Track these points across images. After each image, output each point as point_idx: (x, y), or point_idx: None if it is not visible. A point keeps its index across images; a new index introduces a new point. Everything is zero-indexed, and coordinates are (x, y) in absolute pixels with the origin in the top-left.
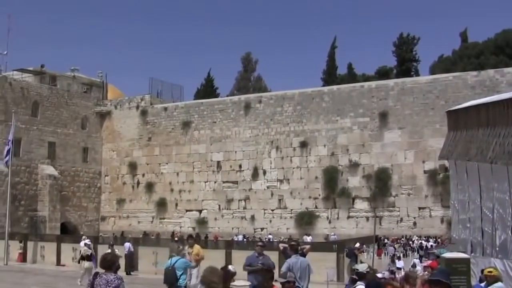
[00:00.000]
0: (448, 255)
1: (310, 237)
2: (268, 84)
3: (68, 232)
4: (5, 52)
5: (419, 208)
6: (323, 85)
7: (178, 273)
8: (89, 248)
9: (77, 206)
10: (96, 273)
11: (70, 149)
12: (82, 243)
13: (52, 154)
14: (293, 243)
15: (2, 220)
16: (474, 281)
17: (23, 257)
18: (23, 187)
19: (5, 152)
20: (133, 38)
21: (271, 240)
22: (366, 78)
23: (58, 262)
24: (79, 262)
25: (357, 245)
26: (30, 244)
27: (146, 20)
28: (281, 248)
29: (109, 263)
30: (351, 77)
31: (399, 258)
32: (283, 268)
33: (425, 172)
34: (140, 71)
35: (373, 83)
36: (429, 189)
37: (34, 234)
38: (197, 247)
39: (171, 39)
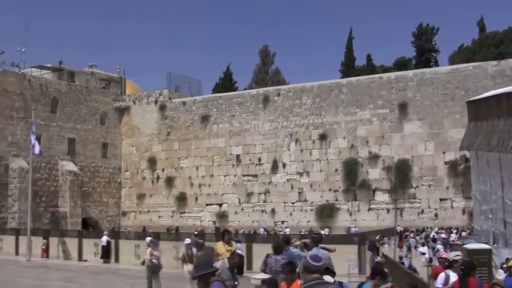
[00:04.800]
0: (470, 246)
1: (326, 229)
2: (286, 77)
3: (89, 228)
4: (24, 49)
5: (440, 200)
6: (342, 77)
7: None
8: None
9: (98, 201)
10: (268, 254)
11: (90, 145)
12: (188, 240)
13: (72, 150)
14: (314, 235)
15: (24, 217)
16: (497, 272)
17: (46, 253)
18: (43, 184)
19: (34, 145)
20: (151, 34)
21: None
22: (385, 69)
23: (80, 258)
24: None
25: (377, 237)
26: (52, 240)
27: (164, 15)
28: (302, 244)
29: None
30: (370, 68)
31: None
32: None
33: (445, 163)
34: (158, 66)
35: (392, 74)
36: (450, 180)
37: (56, 230)
38: (234, 244)
39: (188, 33)
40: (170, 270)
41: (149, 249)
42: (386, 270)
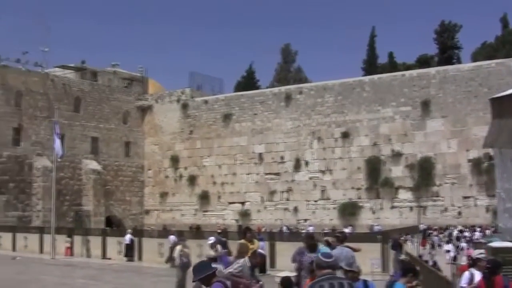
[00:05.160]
0: (494, 244)
1: (349, 228)
2: (308, 75)
3: (113, 226)
4: (47, 49)
5: (464, 198)
6: (364, 75)
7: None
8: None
9: (121, 200)
10: (302, 252)
11: (113, 144)
12: (212, 238)
13: (95, 149)
14: (338, 234)
15: (48, 215)
16: None
17: (69, 251)
18: (67, 182)
19: (58, 146)
20: (173, 33)
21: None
22: (407, 67)
23: (104, 256)
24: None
25: (400, 235)
26: (76, 238)
27: (186, 14)
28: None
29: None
30: (392, 66)
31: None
32: None
33: (469, 160)
34: (180, 65)
35: (414, 72)
36: (473, 178)
37: (80, 228)
38: (256, 242)
39: (210, 32)
40: None
41: (179, 247)
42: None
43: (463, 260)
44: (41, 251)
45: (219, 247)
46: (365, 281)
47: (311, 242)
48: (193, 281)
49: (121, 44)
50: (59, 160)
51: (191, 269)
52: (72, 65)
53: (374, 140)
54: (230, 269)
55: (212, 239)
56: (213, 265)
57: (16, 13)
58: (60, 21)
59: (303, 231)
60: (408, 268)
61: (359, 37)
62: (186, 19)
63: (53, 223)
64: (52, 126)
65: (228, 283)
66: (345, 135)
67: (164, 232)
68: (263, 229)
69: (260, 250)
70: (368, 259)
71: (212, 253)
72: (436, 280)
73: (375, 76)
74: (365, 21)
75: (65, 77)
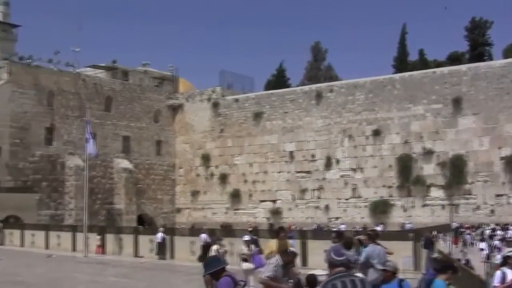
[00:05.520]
0: None
1: (380, 226)
2: (338, 73)
3: (144, 224)
4: (78, 49)
5: (496, 196)
6: (395, 72)
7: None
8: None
9: (153, 198)
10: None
11: (144, 143)
12: (246, 236)
13: (126, 148)
14: (369, 232)
15: (81, 214)
16: None
17: (101, 249)
18: (99, 181)
19: (90, 145)
20: (203, 32)
21: (344, 229)
22: (438, 64)
23: (136, 254)
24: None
25: (433, 233)
26: (108, 237)
27: (216, 13)
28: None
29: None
30: (423, 63)
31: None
32: (362, 258)
33: (501, 158)
34: (210, 64)
35: (445, 69)
36: (506, 176)
37: (112, 227)
38: (289, 242)
39: (240, 31)
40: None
41: (215, 246)
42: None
43: (497, 259)
44: (74, 249)
45: (252, 245)
46: (400, 280)
47: (348, 239)
48: (203, 275)
49: (151, 44)
50: (95, 157)
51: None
52: (103, 64)
53: (405, 138)
54: (267, 273)
55: (247, 237)
56: (246, 264)
57: (48, 14)
58: (91, 21)
59: (334, 229)
60: (448, 265)
61: (390, 34)
62: (217, 18)
63: (86, 221)
64: (84, 126)
65: (237, 277)
66: (376, 133)
67: (196, 230)
68: (293, 227)
69: (291, 248)
70: (400, 258)
71: (245, 250)
72: (469, 278)
73: (406, 74)
74: (395, 19)
75: (96, 77)
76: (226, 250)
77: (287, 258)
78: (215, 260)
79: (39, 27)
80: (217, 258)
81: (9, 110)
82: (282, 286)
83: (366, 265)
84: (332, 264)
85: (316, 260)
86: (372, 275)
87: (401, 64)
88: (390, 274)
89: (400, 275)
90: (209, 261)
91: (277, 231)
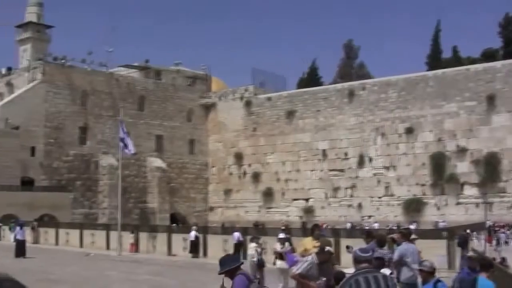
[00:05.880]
0: None
1: (413, 224)
2: (371, 71)
3: (177, 223)
4: (111, 50)
5: None
6: (428, 70)
7: None
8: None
9: (185, 197)
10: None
11: (177, 142)
12: (281, 234)
13: (159, 147)
14: (403, 230)
15: (114, 212)
16: None
17: (135, 248)
18: (132, 180)
19: (128, 145)
20: (235, 30)
21: (377, 228)
22: (472, 61)
23: (169, 252)
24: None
25: (467, 232)
26: (141, 235)
27: (248, 12)
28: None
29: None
30: (456, 60)
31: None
32: (395, 256)
33: None
34: (242, 63)
35: (479, 66)
36: None
37: (145, 225)
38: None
39: (272, 29)
40: None
41: (253, 244)
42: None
43: None
44: (108, 247)
45: (287, 243)
46: (436, 282)
47: (381, 237)
48: (218, 273)
49: (184, 43)
50: (133, 155)
51: (265, 267)
52: (136, 64)
53: (438, 135)
54: (300, 269)
55: (282, 235)
56: (281, 263)
57: (81, 14)
58: (124, 21)
59: (366, 227)
60: (489, 263)
61: (422, 32)
62: (249, 17)
63: (119, 220)
64: (118, 125)
65: (251, 276)
66: (409, 131)
67: (226, 228)
68: (324, 225)
69: (327, 247)
70: (434, 256)
71: (278, 248)
72: (504, 277)
73: (439, 71)
74: (429, 16)
75: (129, 76)
76: (263, 249)
77: (323, 256)
78: (231, 258)
79: (72, 28)
80: (232, 256)
81: (44, 110)
82: (311, 284)
83: (400, 264)
84: (357, 260)
85: (349, 259)
86: (405, 273)
87: (434, 61)
88: (426, 274)
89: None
90: (225, 259)
91: (312, 229)
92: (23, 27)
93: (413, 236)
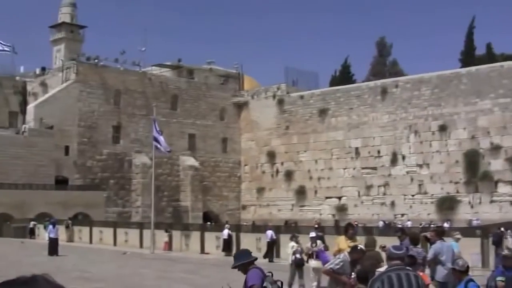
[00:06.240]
0: None
1: (447, 222)
2: (404, 68)
3: (210, 221)
4: (143, 49)
5: None
6: (461, 67)
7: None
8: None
9: (218, 195)
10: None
11: (210, 140)
12: (313, 233)
13: (192, 146)
14: (436, 228)
15: (148, 211)
16: None
17: (168, 246)
18: (165, 178)
19: (161, 144)
20: (267, 28)
21: (410, 226)
22: (506, 58)
23: (202, 250)
24: (307, 261)
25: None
26: (174, 233)
27: (279, 9)
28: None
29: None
30: (490, 57)
31: None
32: (430, 255)
33: None
34: (275, 60)
35: None
36: None
37: (178, 224)
38: (357, 239)
39: (305, 27)
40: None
41: (292, 243)
42: None
43: None
44: (141, 245)
45: (319, 242)
46: (467, 281)
47: (415, 236)
48: (231, 268)
49: (216, 42)
50: (168, 153)
51: (304, 266)
52: (168, 63)
53: (472, 133)
54: (331, 265)
55: (313, 233)
56: (315, 262)
57: (113, 14)
58: (156, 20)
59: (399, 225)
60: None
61: (456, 28)
62: (281, 15)
63: (153, 218)
64: (151, 124)
65: (265, 270)
66: (442, 128)
67: (256, 227)
68: (355, 223)
69: (360, 246)
70: (468, 254)
71: (310, 247)
72: None
73: (473, 68)
74: (462, 12)
75: (162, 75)
76: (302, 248)
77: (356, 255)
78: (245, 253)
79: (105, 28)
80: (246, 251)
81: (77, 109)
82: (343, 278)
83: (434, 262)
84: (390, 257)
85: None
86: (440, 272)
87: (468, 58)
88: (459, 273)
89: (472, 273)
90: (239, 254)
91: (345, 228)
92: (57, 28)
93: (458, 236)
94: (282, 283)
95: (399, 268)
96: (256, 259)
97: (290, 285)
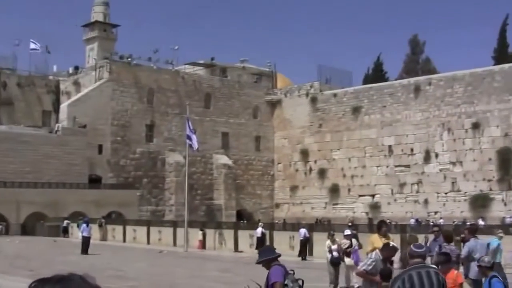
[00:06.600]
0: None
1: (480, 220)
2: (436, 66)
3: (244, 220)
4: (176, 47)
5: None
6: (494, 64)
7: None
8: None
9: (252, 193)
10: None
11: (243, 138)
12: (347, 231)
13: (225, 144)
14: (469, 226)
15: (181, 209)
16: None
17: (202, 244)
18: (199, 177)
19: (193, 141)
20: (300, 27)
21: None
22: None
23: (236, 249)
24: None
25: None
26: (208, 232)
27: (312, 8)
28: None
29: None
30: None
31: None
32: (464, 252)
33: None
34: (308, 59)
35: None
36: None
37: (212, 222)
38: (391, 237)
39: (337, 25)
40: (323, 261)
41: (328, 242)
42: None
43: None
44: (175, 244)
45: (354, 240)
46: (491, 277)
47: (448, 233)
48: (256, 263)
49: (249, 40)
50: (197, 151)
51: (341, 264)
52: (201, 62)
53: (505, 130)
54: (364, 266)
55: (348, 232)
56: (349, 260)
57: (146, 13)
58: (189, 18)
59: (431, 223)
60: None
61: (489, 26)
62: (313, 13)
63: (186, 217)
64: (184, 122)
65: (286, 267)
66: (476, 126)
67: (295, 225)
68: (387, 221)
69: (392, 243)
70: (504, 252)
71: (345, 245)
72: None
73: (506, 65)
74: (495, 10)
75: (195, 74)
76: (340, 246)
77: (388, 252)
78: (269, 250)
79: (138, 26)
80: (270, 248)
81: (110, 108)
82: (375, 278)
83: (468, 260)
84: (411, 255)
85: None
86: (474, 269)
87: (501, 55)
88: (485, 269)
89: (505, 271)
90: (263, 250)
91: (379, 226)
92: (90, 27)
93: (501, 234)
94: (303, 281)
95: (420, 266)
96: (279, 255)
97: (335, 285)
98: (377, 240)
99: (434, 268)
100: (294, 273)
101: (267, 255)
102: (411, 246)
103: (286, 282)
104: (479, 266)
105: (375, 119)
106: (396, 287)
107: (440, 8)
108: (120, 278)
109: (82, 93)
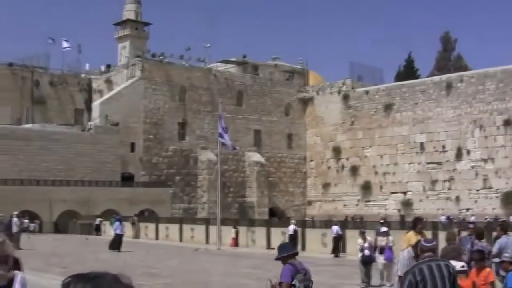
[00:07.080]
0: None
1: None
2: (468, 63)
3: (276, 217)
4: (208, 45)
5: None
6: None
7: None
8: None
9: (284, 191)
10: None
11: (275, 136)
12: (384, 228)
13: (258, 142)
14: (501, 223)
15: (213, 207)
16: None
17: (235, 242)
18: (231, 175)
19: (226, 141)
20: (332, 24)
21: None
22: None
23: (268, 246)
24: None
25: None
26: (240, 229)
27: (343, 4)
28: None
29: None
30: None
31: None
32: (494, 249)
33: None
34: (339, 56)
35: None
36: None
37: (244, 219)
38: (425, 234)
39: (368, 22)
40: (356, 258)
41: (359, 240)
42: None
43: None
44: (207, 241)
45: (390, 238)
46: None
47: (480, 230)
48: (275, 259)
49: (281, 37)
50: (235, 149)
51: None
52: (233, 59)
53: None
54: (399, 272)
55: (384, 228)
56: (382, 257)
57: (178, 11)
58: (221, 16)
59: (460, 219)
60: None
61: None
62: (344, 10)
63: (219, 214)
64: (217, 120)
65: (298, 265)
66: (507, 123)
67: (328, 222)
68: (422, 219)
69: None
70: None
71: (381, 242)
72: None
73: None
74: None
75: (227, 72)
76: (372, 244)
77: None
78: (286, 246)
79: (170, 24)
80: (288, 244)
81: (143, 106)
82: None
83: (499, 257)
84: (421, 250)
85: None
86: None
87: None
88: (508, 264)
89: None
90: (281, 246)
91: (414, 223)
92: (122, 25)
93: None
94: (312, 282)
95: (430, 260)
96: (297, 253)
97: (367, 283)
98: (413, 237)
99: (444, 260)
100: (306, 273)
101: (284, 251)
102: (421, 240)
103: (293, 282)
104: (501, 262)
105: (407, 116)
106: (408, 280)
107: (471, 5)
108: (153, 276)
109: (114, 91)
